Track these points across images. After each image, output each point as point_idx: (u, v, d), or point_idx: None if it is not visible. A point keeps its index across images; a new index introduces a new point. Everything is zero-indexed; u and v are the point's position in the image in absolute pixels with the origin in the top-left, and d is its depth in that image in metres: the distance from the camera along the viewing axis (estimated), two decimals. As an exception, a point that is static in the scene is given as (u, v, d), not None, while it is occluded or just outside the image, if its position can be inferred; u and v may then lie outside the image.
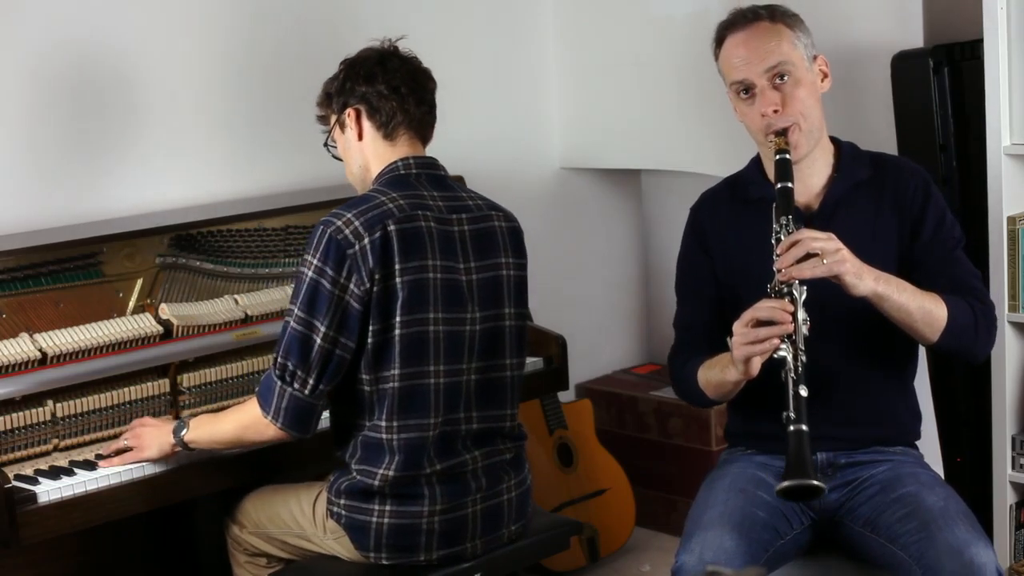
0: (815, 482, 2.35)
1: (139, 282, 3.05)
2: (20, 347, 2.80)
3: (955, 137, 3.29)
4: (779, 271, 2.49)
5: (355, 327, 2.57)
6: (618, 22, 4.10)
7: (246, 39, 3.55)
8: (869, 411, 2.70)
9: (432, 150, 2.82)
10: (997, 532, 3.16)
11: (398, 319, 2.59)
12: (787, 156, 2.61)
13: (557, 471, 3.95)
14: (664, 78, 4.02)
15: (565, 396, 4.04)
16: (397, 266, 2.58)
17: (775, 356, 2.46)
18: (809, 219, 2.67)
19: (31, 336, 2.83)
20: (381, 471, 2.62)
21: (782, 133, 2.64)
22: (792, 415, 2.42)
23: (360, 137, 2.74)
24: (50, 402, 2.83)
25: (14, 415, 2.78)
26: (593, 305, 4.44)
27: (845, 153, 2.76)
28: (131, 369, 2.93)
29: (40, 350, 2.81)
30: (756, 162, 2.82)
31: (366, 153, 2.74)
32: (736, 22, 2.72)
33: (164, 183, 3.40)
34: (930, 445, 3.17)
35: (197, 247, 3.14)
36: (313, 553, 2.75)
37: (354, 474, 2.65)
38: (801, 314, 2.46)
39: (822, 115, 2.71)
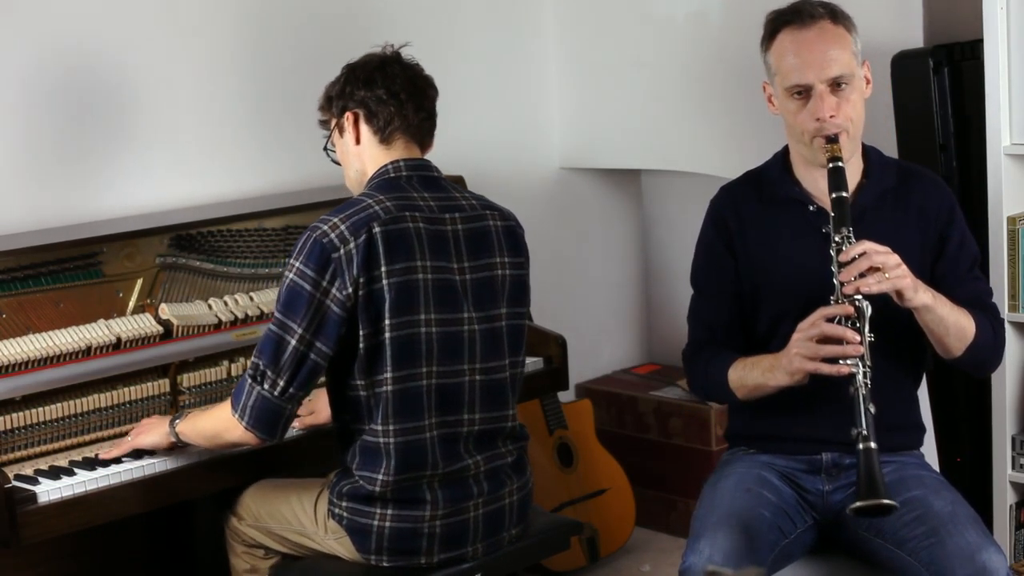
0: (887, 501, 2.36)
1: (139, 282, 3.05)
2: (20, 347, 2.80)
3: (955, 137, 3.29)
4: (842, 284, 2.48)
5: (333, 332, 2.55)
6: (618, 22, 4.10)
7: (247, 39, 3.56)
8: (875, 419, 2.68)
9: (433, 150, 2.82)
10: (997, 532, 3.16)
11: (387, 322, 2.56)
12: (840, 164, 2.57)
13: (557, 471, 3.95)
14: (664, 78, 4.02)
15: (565, 396, 4.03)
16: (383, 268, 2.56)
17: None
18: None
19: (31, 336, 2.83)
20: (380, 476, 2.61)
21: (834, 140, 2.59)
22: (864, 432, 2.44)
23: (357, 141, 2.72)
24: (50, 402, 2.83)
25: (14, 415, 2.78)
26: (593, 305, 4.44)
27: (872, 159, 2.73)
28: (131, 369, 2.93)
29: (40, 350, 2.81)
30: (780, 160, 2.77)
31: (363, 157, 2.72)
32: (796, 17, 2.64)
33: (164, 183, 3.40)
34: (930, 445, 3.17)
35: (197, 247, 3.14)
36: (312, 551, 2.75)
37: (356, 478, 2.64)
38: (867, 328, 2.47)
39: (863, 115, 2.67)
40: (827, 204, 2.63)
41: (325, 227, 2.57)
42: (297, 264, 2.56)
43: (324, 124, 2.80)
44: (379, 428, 2.61)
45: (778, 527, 2.60)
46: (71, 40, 3.25)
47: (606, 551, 4.02)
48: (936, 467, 2.85)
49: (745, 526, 2.53)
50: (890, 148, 3.36)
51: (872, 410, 2.44)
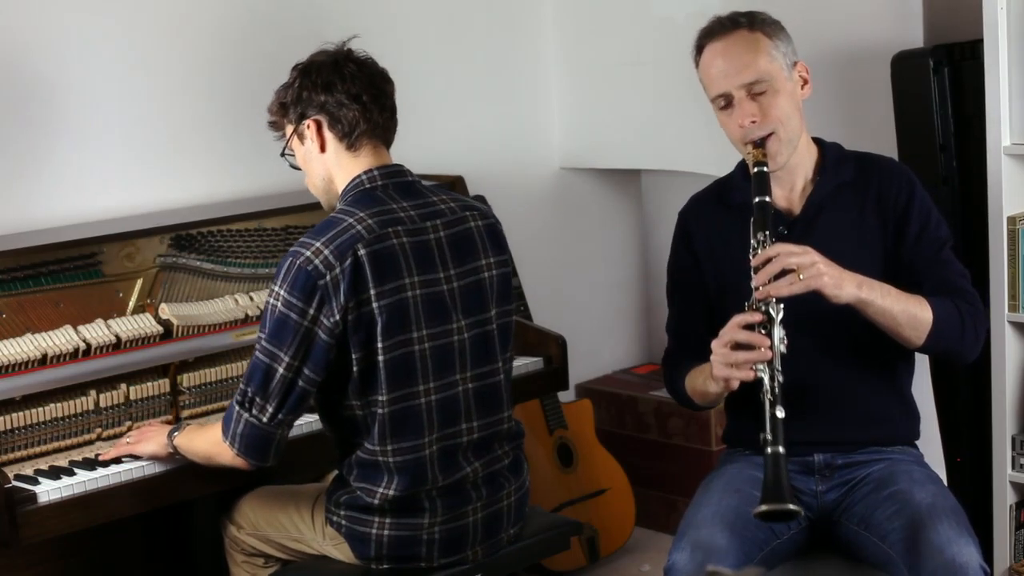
0: (791, 507, 2.36)
1: (139, 282, 3.05)
2: (20, 347, 2.80)
3: (955, 137, 3.29)
4: (756, 288, 2.49)
5: (321, 359, 2.51)
6: (618, 22, 4.10)
7: (245, 39, 3.56)
8: (862, 413, 2.69)
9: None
10: (997, 532, 3.16)
11: (380, 344, 2.53)
12: (764, 169, 2.60)
13: (557, 471, 3.95)
14: (664, 78, 4.01)
15: (565, 396, 4.03)
16: (372, 291, 2.51)
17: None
18: (791, 223, 2.67)
19: (31, 336, 2.83)
20: (381, 490, 2.60)
21: (760, 144, 2.62)
22: (769, 437, 2.43)
23: (322, 149, 2.64)
24: (50, 402, 2.83)
25: (14, 415, 2.78)
26: (593, 305, 4.44)
27: (828, 155, 2.74)
28: (131, 369, 2.93)
29: (40, 350, 2.81)
30: (742, 167, 2.79)
31: (328, 165, 2.65)
32: (714, 31, 2.70)
33: (164, 183, 3.40)
34: (930, 445, 3.16)
35: (197, 247, 3.14)
36: (311, 557, 2.74)
37: (354, 489, 2.63)
38: (779, 333, 2.47)
39: (802, 122, 2.69)
40: (784, 207, 2.68)
41: (308, 252, 2.50)
42: (282, 293, 2.51)
43: (274, 126, 2.73)
44: (376, 448, 2.58)
45: (768, 526, 2.60)
46: (67, 38, 3.25)
47: (606, 551, 4.02)
48: (940, 468, 2.84)
49: (730, 524, 2.54)
50: (890, 148, 3.36)
51: (780, 414, 2.43)
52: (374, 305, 2.52)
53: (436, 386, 2.61)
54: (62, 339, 2.85)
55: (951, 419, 3.38)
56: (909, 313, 2.54)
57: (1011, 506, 3.17)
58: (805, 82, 2.71)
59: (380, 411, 2.56)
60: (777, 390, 2.45)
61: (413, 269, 2.57)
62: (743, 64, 2.63)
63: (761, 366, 2.46)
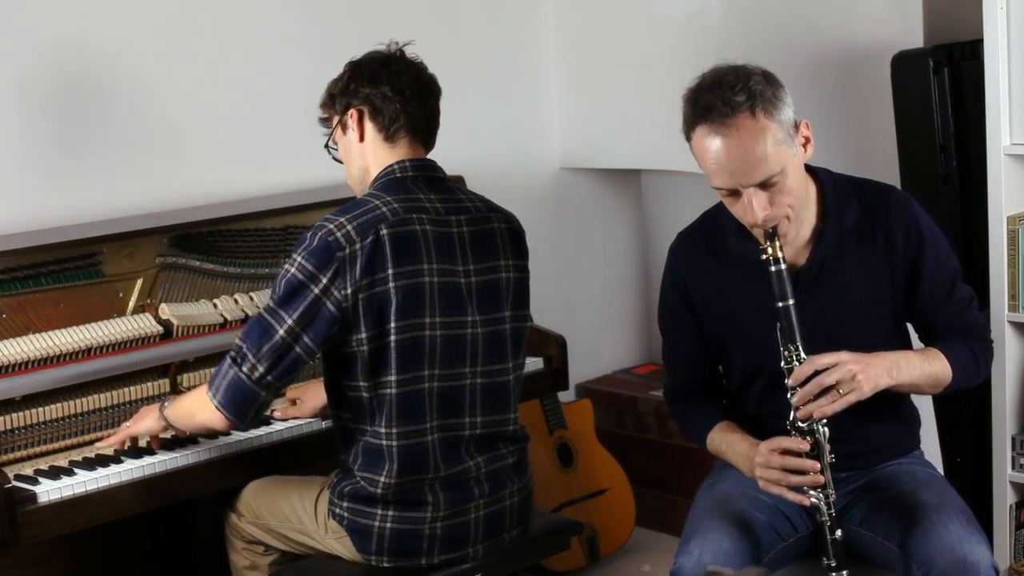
0: None
1: (139, 282, 3.05)
2: (20, 347, 2.80)
3: (955, 137, 3.28)
4: (796, 408, 2.47)
5: (322, 330, 2.54)
6: (618, 22, 4.10)
7: (247, 38, 3.56)
8: (867, 446, 2.68)
9: (433, 150, 2.82)
10: (997, 532, 3.16)
11: (393, 325, 2.56)
12: (782, 267, 2.46)
13: (557, 471, 3.95)
14: (664, 78, 4.01)
15: (565, 396, 4.03)
16: (390, 271, 2.55)
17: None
18: (796, 275, 2.56)
19: (31, 336, 2.83)
20: (383, 479, 2.61)
21: (772, 236, 2.46)
22: (833, 563, 2.48)
23: (361, 138, 2.70)
24: (50, 402, 2.83)
25: (14, 415, 2.79)
26: (593, 305, 4.44)
27: (828, 194, 2.58)
28: (131, 369, 2.94)
29: (40, 350, 2.81)
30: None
31: (366, 155, 2.71)
32: (711, 114, 2.43)
33: (164, 183, 3.40)
34: (930, 445, 3.16)
35: (197, 247, 3.14)
36: (312, 549, 2.75)
37: (357, 479, 2.64)
38: (826, 450, 2.48)
39: (806, 184, 2.55)
40: (787, 262, 2.52)
41: (331, 226, 2.56)
42: (299, 259, 2.55)
43: (324, 122, 2.79)
44: (382, 431, 2.60)
45: (774, 529, 2.60)
46: (69, 39, 3.25)
47: (606, 551, 4.02)
48: (939, 468, 2.84)
49: (737, 528, 2.53)
50: (890, 148, 3.36)
51: (839, 536, 2.47)
52: (390, 285, 2.55)
53: (441, 374, 2.62)
54: (62, 339, 2.85)
55: (951, 419, 3.38)
56: (933, 377, 2.57)
57: (1011, 506, 3.17)
58: (807, 141, 2.51)
59: (390, 392, 2.58)
60: (833, 512, 2.48)
61: (433, 256, 2.61)
62: (751, 164, 2.41)
63: (815, 492, 2.48)
